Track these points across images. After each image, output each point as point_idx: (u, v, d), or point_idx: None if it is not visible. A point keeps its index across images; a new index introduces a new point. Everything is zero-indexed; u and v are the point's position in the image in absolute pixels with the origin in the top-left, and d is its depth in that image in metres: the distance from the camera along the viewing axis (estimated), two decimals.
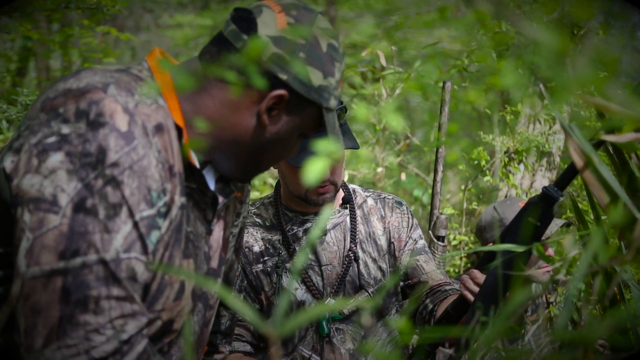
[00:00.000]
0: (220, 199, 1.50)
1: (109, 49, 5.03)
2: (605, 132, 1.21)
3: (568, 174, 1.61)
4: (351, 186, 2.39)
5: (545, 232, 1.71)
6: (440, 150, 2.75)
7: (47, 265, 1.20)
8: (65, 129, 1.24)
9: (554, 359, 0.89)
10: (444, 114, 2.79)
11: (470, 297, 1.90)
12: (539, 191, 4.14)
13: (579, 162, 1.18)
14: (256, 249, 2.24)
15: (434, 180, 2.78)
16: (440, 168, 2.77)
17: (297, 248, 2.22)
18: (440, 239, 2.62)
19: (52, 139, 1.24)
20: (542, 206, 1.62)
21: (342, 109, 2.12)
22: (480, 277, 1.90)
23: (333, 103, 1.46)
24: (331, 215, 2.27)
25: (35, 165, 1.23)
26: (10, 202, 1.25)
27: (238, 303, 0.88)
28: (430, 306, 2.20)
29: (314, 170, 0.71)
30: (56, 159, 1.23)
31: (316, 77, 1.41)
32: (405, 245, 2.31)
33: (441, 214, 2.72)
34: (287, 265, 2.21)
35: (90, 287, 1.20)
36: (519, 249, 1.41)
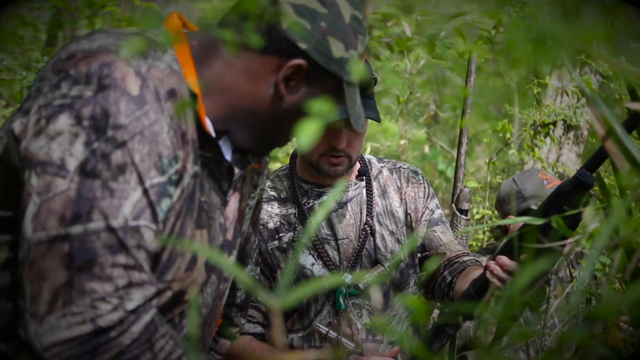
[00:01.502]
0: (237, 170, 1.48)
1: (134, 19, 5.01)
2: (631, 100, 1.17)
3: (599, 156, 1.55)
4: (366, 157, 2.34)
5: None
6: (465, 121, 2.70)
7: (54, 230, 1.18)
8: (75, 91, 1.22)
9: (570, 335, 0.86)
10: (469, 85, 2.74)
11: (498, 285, 1.80)
12: (565, 165, 4.09)
13: (601, 131, 1.14)
14: (271, 225, 2.20)
15: (458, 152, 2.73)
16: (464, 140, 2.72)
17: (316, 225, 2.18)
18: (464, 212, 2.58)
19: (61, 101, 1.22)
20: (577, 193, 1.55)
21: (373, 80, 2.08)
22: (509, 263, 1.79)
23: (355, 77, 1.42)
24: (347, 188, 2.22)
25: (44, 127, 1.21)
26: (19, 165, 1.24)
27: (241, 273, 0.86)
28: (449, 278, 2.16)
29: (307, 133, 0.68)
30: (65, 121, 1.21)
31: (337, 49, 1.37)
32: (422, 216, 2.26)
33: (465, 187, 2.67)
34: (304, 240, 2.18)
35: (97, 254, 1.19)
36: (538, 221, 1.36)
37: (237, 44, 1.36)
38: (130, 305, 1.21)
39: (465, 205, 2.61)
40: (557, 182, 2.94)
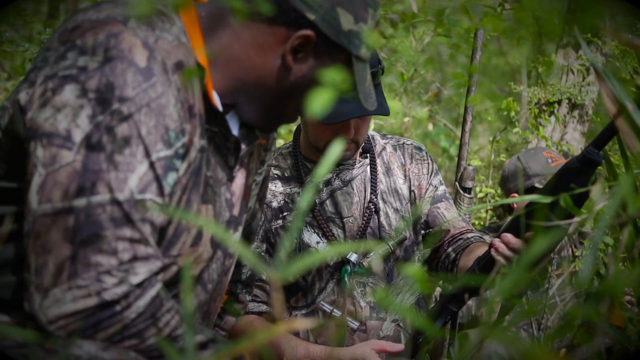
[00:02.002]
0: (243, 145, 1.46)
1: None
2: None
3: (606, 133, 1.53)
4: (370, 133, 2.31)
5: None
6: (469, 99, 2.67)
7: (59, 202, 1.18)
8: (82, 61, 1.21)
9: (576, 312, 0.86)
10: (475, 61, 2.71)
11: (503, 262, 1.79)
12: (570, 144, 4.08)
13: (612, 108, 1.13)
14: (274, 204, 2.18)
15: (463, 130, 2.70)
16: (469, 118, 2.69)
17: (317, 201, 2.17)
18: (467, 190, 2.56)
19: (67, 72, 1.21)
20: (585, 171, 1.54)
21: (380, 70, 2.04)
22: (515, 241, 1.77)
23: (364, 52, 1.40)
24: (351, 166, 2.20)
25: (50, 98, 1.20)
26: (24, 136, 1.23)
27: (245, 249, 0.86)
28: (453, 255, 2.15)
29: (319, 102, 0.67)
30: (71, 92, 1.19)
31: (346, 21, 1.35)
32: (425, 192, 2.25)
33: (468, 165, 2.65)
34: (308, 219, 2.17)
35: (103, 227, 1.18)
36: (545, 199, 1.35)
37: (246, 13, 1.34)
38: (136, 279, 1.20)
39: (469, 184, 2.59)
40: (562, 161, 2.94)
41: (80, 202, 1.18)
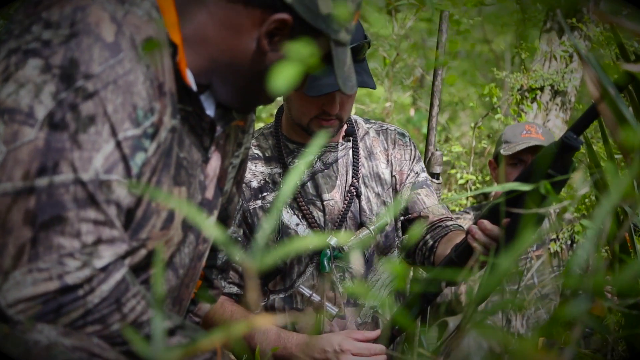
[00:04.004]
0: (219, 126, 1.42)
1: None
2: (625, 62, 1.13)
3: (586, 118, 1.50)
4: (353, 117, 2.29)
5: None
6: (436, 83, 2.67)
7: (20, 182, 1.13)
8: (47, 35, 1.16)
9: (566, 311, 0.82)
10: (440, 44, 2.69)
11: (480, 249, 1.77)
12: (552, 131, 4.07)
13: (595, 93, 1.10)
14: (254, 184, 2.15)
15: (430, 114, 2.69)
16: (436, 102, 2.68)
17: (298, 183, 2.13)
18: (435, 176, 2.55)
19: (32, 45, 1.15)
20: (562, 156, 1.51)
21: (366, 44, 2.01)
22: (491, 227, 1.74)
23: (344, 36, 1.35)
24: (333, 148, 2.18)
25: (12, 72, 1.15)
26: None
27: (217, 232, 0.82)
28: (431, 242, 2.13)
29: (283, 77, 0.62)
30: (34, 67, 1.14)
31: (324, 4, 1.30)
32: (406, 178, 2.23)
33: (436, 150, 2.64)
34: (288, 200, 2.13)
35: (66, 208, 1.13)
36: (525, 187, 1.32)
37: None
38: (100, 263, 1.15)
39: (437, 169, 2.59)
40: (537, 136, 2.95)
41: (42, 181, 1.13)
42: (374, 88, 2.09)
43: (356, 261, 2.14)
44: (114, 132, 1.17)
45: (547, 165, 1.50)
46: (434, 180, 2.49)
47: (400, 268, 0.91)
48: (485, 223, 1.76)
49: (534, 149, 2.88)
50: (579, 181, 1.09)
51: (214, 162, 1.48)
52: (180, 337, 1.26)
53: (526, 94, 4.07)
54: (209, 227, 0.88)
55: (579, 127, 1.51)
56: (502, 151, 2.94)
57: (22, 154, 1.13)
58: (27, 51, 1.15)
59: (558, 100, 4.14)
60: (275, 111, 2.40)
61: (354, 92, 1.47)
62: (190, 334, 1.27)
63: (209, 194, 1.47)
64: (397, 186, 2.23)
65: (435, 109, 2.69)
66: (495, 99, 3.77)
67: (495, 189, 1.22)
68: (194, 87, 1.34)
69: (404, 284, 1.63)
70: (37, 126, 1.13)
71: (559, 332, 0.91)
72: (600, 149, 3.03)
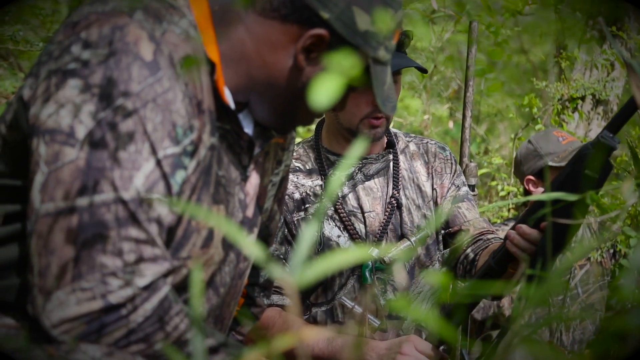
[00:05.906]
0: (257, 145, 1.41)
1: None
2: None
3: (621, 116, 1.46)
4: (393, 130, 2.29)
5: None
6: (467, 94, 2.65)
7: (62, 202, 1.13)
8: (85, 55, 1.16)
9: (619, 323, 0.79)
10: (470, 55, 2.67)
11: (520, 255, 1.73)
12: None
13: None
14: (297, 196, 2.15)
15: (462, 126, 2.68)
16: (468, 114, 2.67)
17: (339, 194, 2.13)
18: (470, 187, 2.52)
19: (71, 66, 1.16)
20: (599, 156, 1.47)
21: (407, 37, 2.03)
22: (530, 232, 1.71)
23: (383, 55, 1.33)
24: (374, 160, 2.17)
25: (53, 93, 1.16)
26: (27, 132, 1.18)
27: (257, 250, 0.80)
28: (472, 255, 2.11)
29: (324, 89, 0.60)
30: (74, 86, 1.15)
31: (362, 20, 1.28)
32: (447, 191, 2.22)
33: (470, 161, 2.62)
34: (329, 212, 2.13)
35: (108, 227, 1.13)
36: (571, 197, 1.29)
37: (257, 12, 1.29)
38: (142, 282, 1.15)
39: (472, 181, 2.57)
40: (573, 139, 2.94)
41: (83, 201, 1.13)
42: (426, 72, 2.15)
43: (399, 273, 2.12)
44: (153, 151, 1.17)
45: (595, 169, 1.46)
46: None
47: (444, 279, 0.89)
48: (524, 227, 1.73)
49: None
50: (628, 191, 1.06)
51: (253, 180, 1.47)
52: (223, 354, 1.25)
53: (567, 103, 4.01)
54: (249, 245, 0.87)
55: (614, 125, 1.47)
56: (551, 162, 2.92)
57: (64, 175, 1.14)
58: (66, 72, 1.16)
59: (600, 109, 4.08)
60: (312, 126, 2.40)
61: (394, 112, 1.46)
62: (233, 351, 1.26)
63: (249, 212, 1.46)
64: (438, 199, 2.22)
65: (468, 120, 2.68)
66: (535, 109, 3.73)
67: (541, 197, 1.19)
68: (232, 105, 1.33)
69: (447, 296, 1.61)
70: (77, 146, 1.14)
71: (611, 346, 0.88)
72: None
